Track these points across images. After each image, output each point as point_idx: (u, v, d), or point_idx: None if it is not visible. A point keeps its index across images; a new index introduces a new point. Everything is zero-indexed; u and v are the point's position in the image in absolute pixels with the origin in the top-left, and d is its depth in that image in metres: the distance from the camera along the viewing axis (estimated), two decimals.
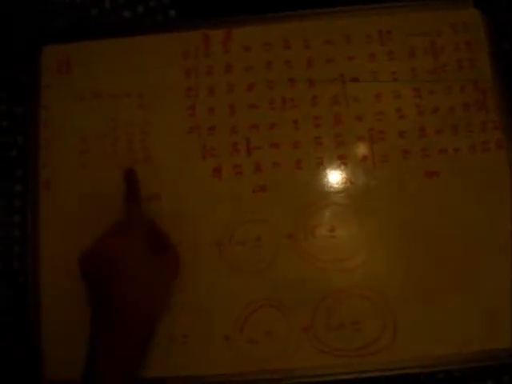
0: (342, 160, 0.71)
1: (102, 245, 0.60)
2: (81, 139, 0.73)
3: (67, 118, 0.74)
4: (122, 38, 0.76)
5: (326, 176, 0.71)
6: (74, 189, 0.72)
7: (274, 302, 0.69)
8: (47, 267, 0.71)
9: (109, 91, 0.74)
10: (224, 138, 0.72)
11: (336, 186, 0.71)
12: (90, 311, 0.59)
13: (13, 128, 0.75)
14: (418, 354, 0.69)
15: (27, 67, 0.76)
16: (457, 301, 0.69)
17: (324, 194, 0.71)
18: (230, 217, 0.71)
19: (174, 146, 0.73)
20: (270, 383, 0.68)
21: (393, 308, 0.69)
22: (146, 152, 0.72)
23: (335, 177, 0.71)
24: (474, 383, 0.71)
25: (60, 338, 0.70)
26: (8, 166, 0.74)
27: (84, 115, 0.74)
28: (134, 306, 0.57)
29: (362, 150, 0.72)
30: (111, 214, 0.69)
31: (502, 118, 0.72)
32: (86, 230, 0.69)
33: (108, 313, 0.57)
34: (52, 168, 0.73)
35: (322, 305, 0.69)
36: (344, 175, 0.71)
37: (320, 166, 0.71)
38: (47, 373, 0.70)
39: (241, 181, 0.71)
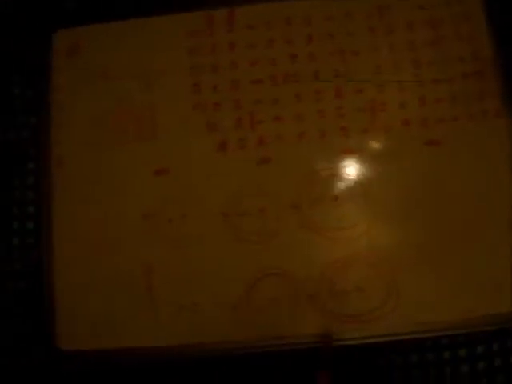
0: (344, 131, 0.73)
1: None
2: (90, 118, 0.76)
3: (77, 98, 0.77)
4: (128, 21, 0.78)
5: (328, 147, 0.73)
6: (85, 165, 0.74)
7: (279, 270, 0.71)
8: (61, 242, 0.73)
9: (116, 72, 0.76)
10: (228, 114, 0.74)
11: (338, 156, 0.72)
12: None
13: (25, 109, 0.78)
14: (421, 319, 0.70)
15: (39, 51, 0.78)
16: (458, 267, 0.70)
17: (326, 165, 0.73)
18: (235, 189, 0.73)
19: (179, 122, 0.75)
20: (276, 349, 0.69)
21: (396, 275, 0.70)
22: (153, 129, 0.75)
23: (337, 148, 0.72)
24: (480, 347, 0.71)
25: (71, 312, 0.73)
26: (21, 146, 0.76)
27: (93, 95, 0.76)
28: None
29: (363, 121, 0.73)
30: (120, 189, 0.71)
31: (500, 88, 0.72)
32: (96, 203, 0.72)
33: None
34: (63, 146, 0.75)
35: (326, 272, 0.70)
36: (346, 146, 0.72)
37: (322, 138, 0.73)
38: (60, 343, 0.72)
39: (245, 154, 0.73)
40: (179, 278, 0.71)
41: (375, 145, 0.73)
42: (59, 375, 0.73)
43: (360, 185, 0.72)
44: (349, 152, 0.73)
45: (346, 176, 0.72)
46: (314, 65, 0.75)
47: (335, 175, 0.72)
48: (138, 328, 0.71)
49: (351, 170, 0.72)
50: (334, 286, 0.70)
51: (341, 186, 0.72)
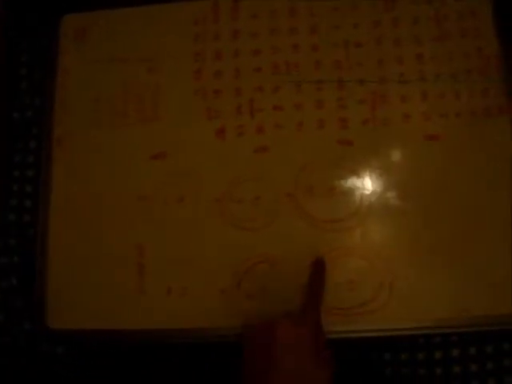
0: (344, 123, 0.72)
1: (279, 330, 0.58)
2: (94, 100, 0.77)
3: (82, 80, 0.78)
4: (135, 8, 0.79)
5: (326, 138, 0.72)
6: (85, 146, 0.75)
7: (271, 258, 0.70)
8: (57, 221, 0.74)
9: (121, 56, 0.78)
10: (228, 100, 0.74)
11: (336, 147, 0.72)
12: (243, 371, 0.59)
13: (31, 90, 0.79)
14: (414, 316, 0.69)
15: (47, 34, 0.79)
16: (456, 265, 0.69)
17: (324, 156, 0.72)
18: (231, 175, 0.73)
19: (180, 107, 0.75)
20: None
21: (390, 269, 0.69)
22: (154, 112, 0.75)
23: (336, 139, 0.72)
24: (473, 348, 0.70)
25: (62, 290, 0.73)
26: (24, 125, 0.77)
27: (98, 78, 0.77)
28: None
29: (363, 113, 0.72)
30: (117, 170, 0.72)
31: (504, 85, 0.72)
32: (94, 183, 0.72)
33: None
34: (65, 126, 0.76)
35: None
36: (344, 138, 0.72)
37: (321, 128, 0.72)
38: (48, 321, 0.72)
39: (243, 141, 0.73)
40: (170, 261, 0.71)
41: (374, 137, 0.72)
42: (46, 354, 0.73)
43: (357, 177, 0.71)
44: (347, 143, 0.72)
45: (343, 167, 0.72)
46: (316, 55, 0.74)
47: (332, 166, 0.72)
48: (127, 310, 0.71)
49: (349, 161, 0.72)
50: (326, 276, 0.69)
51: (338, 177, 0.72)
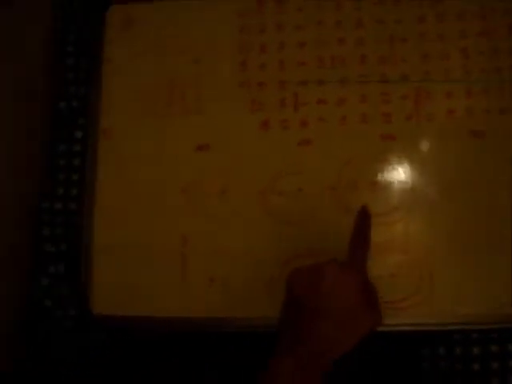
0: (387, 117, 0.73)
1: (327, 270, 0.56)
2: (139, 91, 0.78)
3: (128, 71, 0.79)
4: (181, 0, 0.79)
5: (369, 132, 0.73)
6: (130, 136, 0.76)
7: (313, 251, 0.71)
8: (102, 210, 0.76)
9: (166, 47, 0.78)
10: (273, 93, 0.75)
11: (379, 142, 0.72)
12: (281, 315, 0.59)
13: (77, 80, 0.80)
14: (453, 311, 0.69)
15: (94, 24, 0.80)
16: (497, 261, 0.69)
17: (367, 150, 0.73)
18: (274, 168, 0.73)
19: (224, 99, 0.76)
20: None
21: (431, 264, 0.70)
22: (199, 104, 0.76)
23: (378, 134, 0.72)
24: (510, 345, 0.70)
25: (108, 276, 0.75)
26: (70, 114, 0.79)
27: (143, 69, 0.78)
28: (327, 346, 0.54)
29: (407, 108, 0.73)
30: (162, 162, 0.73)
31: None
32: (138, 174, 0.73)
33: (301, 335, 0.55)
34: (110, 117, 0.77)
35: None
36: (387, 132, 0.72)
37: (364, 123, 0.73)
38: (93, 307, 0.74)
39: (287, 134, 0.74)
40: (213, 251, 0.72)
41: (418, 132, 0.72)
42: (88, 339, 0.74)
43: (399, 172, 0.72)
44: (390, 138, 0.72)
45: (385, 162, 0.72)
46: (362, 49, 0.74)
47: (375, 160, 0.72)
48: (169, 298, 0.73)
49: (391, 156, 0.72)
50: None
51: (380, 171, 0.72)
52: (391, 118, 0.73)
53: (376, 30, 0.75)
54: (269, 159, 0.73)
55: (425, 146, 0.72)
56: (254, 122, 0.74)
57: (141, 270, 0.73)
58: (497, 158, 0.70)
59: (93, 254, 0.75)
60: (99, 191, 0.76)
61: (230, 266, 0.72)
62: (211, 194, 0.73)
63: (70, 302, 0.75)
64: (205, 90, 0.76)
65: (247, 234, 0.72)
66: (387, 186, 0.71)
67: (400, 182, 0.71)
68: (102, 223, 0.75)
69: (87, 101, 0.79)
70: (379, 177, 0.72)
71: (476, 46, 0.74)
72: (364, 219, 0.64)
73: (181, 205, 0.73)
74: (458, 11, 0.75)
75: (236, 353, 0.73)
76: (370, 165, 0.72)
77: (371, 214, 0.64)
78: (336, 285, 0.55)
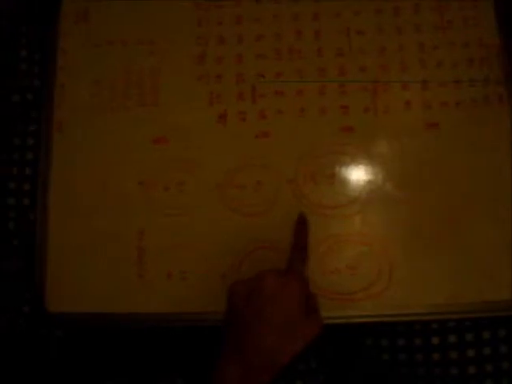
0: (345, 109, 0.73)
1: (265, 281, 0.57)
2: (94, 83, 0.76)
3: (82, 63, 0.77)
4: None
5: (327, 125, 0.73)
6: (85, 129, 0.75)
7: (271, 244, 0.70)
8: (56, 205, 0.74)
9: (122, 39, 0.77)
10: (231, 86, 0.74)
11: (337, 134, 0.72)
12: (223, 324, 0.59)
13: (30, 72, 0.78)
14: (412, 302, 0.69)
15: (47, 16, 0.78)
16: (454, 252, 0.70)
17: (325, 142, 0.73)
18: (233, 161, 0.73)
19: (182, 92, 0.75)
20: None
21: (389, 255, 0.70)
22: (155, 97, 0.75)
23: (337, 126, 0.72)
24: (470, 334, 0.70)
25: (63, 272, 0.73)
26: (24, 107, 0.77)
27: (98, 61, 0.77)
28: (269, 356, 0.55)
29: (364, 100, 0.73)
30: (118, 155, 0.72)
31: (505, 74, 0.72)
32: (94, 168, 0.72)
33: (242, 346, 0.55)
34: (65, 109, 0.76)
35: (318, 249, 0.70)
36: (346, 125, 0.72)
37: (322, 115, 0.73)
38: (47, 304, 0.72)
39: (245, 127, 0.73)
40: (170, 245, 0.71)
41: (375, 125, 0.72)
42: (44, 337, 0.73)
43: (357, 164, 0.72)
44: (348, 130, 0.72)
45: (343, 154, 0.72)
46: (319, 42, 0.74)
47: (333, 153, 0.72)
48: (127, 293, 0.71)
49: (350, 148, 0.72)
50: (325, 262, 0.70)
51: (338, 163, 0.72)
52: (349, 109, 0.72)
53: (333, 23, 0.74)
54: (227, 152, 0.73)
55: (382, 137, 0.72)
56: (211, 114, 0.74)
57: (97, 265, 0.72)
58: (452, 150, 0.71)
59: (47, 249, 0.72)
60: (53, 186, 0.73)
61: (188, 259, 0.71)
62: (169, 187, 0.72)
63: (23, 299, 0.73)
64: (162, 83, 0.75)
65: (205, 228, 0.71)
66: (345, 178, 0.71)
67: (358, 174, 0.71)
68: (57, 218, 0.73)
69: (41, 93, 0.77)
70: (337, 169, 0.72)
71: (432, 39, 0.74)
72: (302, 226, 0.66)
73: (137, 198, 0.72)
74: (413, 5, 0.75)
75: (194, 347, 0.72)
76: (328, 157, 0.72)
77: (308, 221, 0.67)
78: (275, 295, 0.56)
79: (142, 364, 0.72)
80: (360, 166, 0.72)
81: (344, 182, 0.72)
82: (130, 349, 0.72)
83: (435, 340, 0.71)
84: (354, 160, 0.72)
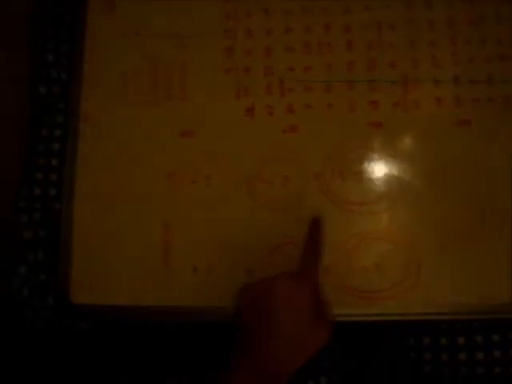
0: (374, 105, 0.72)
1: (273, 285, 0.55)
2: (121, 75, 0.76)
3: (110, 55, 0.77)
4: None
5: (356, 120, 0.72)
6: (112, 121, 0.74)
7: (297, 240, 0.70)
8: (82, 196, 0.74)
9: (150, 31, 0.77)
10: (259, 79, 0.74)
11: (366, 130, 0.71)
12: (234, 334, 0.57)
13: (58, 64, 0.78)
14: (439, 301, 0.68)
15: (75, 7, 0.78)
16: (483, 251, 0.69)
17: (353, 138, 0.72)
18: (260, 155, 0.72)
19: (210, 85, 0.75)
20: None
21: (416, 254, 0.69)
22: (183, 90, 0.74)
23: (365, 121, 0.71)
24: (497, 335, 0.70)
25: (88, 264, 0.73)
26: (51, 99, 0.77)
27: (126, 53, 0.77)
28: (279, 362, 0.53)
29: (394, 95, 0.72)
30: (146, 147, 0.71)
31: None
32: (121, 159, 0.72)
33: (252, 352, 0.54)
34: (92, 102, 0.75)
35: (345, 246, 0.69)
36: (374, 120, 0.72)
37: (351, 110, 0.72)
38: (72, 296, 0.72)
39: (272, 121, 0.73)
40: (196, 239, 0.71)
41: (405, 121, 0.71)
42: (68, 329, 0.73)
43: (386, 160, 0.71)
44: (377, 126, 0.71)
45: (372, 150, 0.71)
46: (348, 36, 0.73)
47: (362, 148, 0.71)
48: (152, 286, 0.71)
49: (378, 144, 0.71)
50: (351, 259, 0.69)
51: (366, 159, 0.71)
52: (378, 105, 0.71)
53: (363, 16, 0.74)
54: (254, 146, 0.72)
55: (412, 133, 0.71)
56: (239, 107, 0.73)
57: (122, 257, 0.72)
58: (484, 147, 0.70)
59: (72, 241, 0.72)
60: (80, 177, 0.73)
61: (214, 254, 0.71)
62: (195, 181, 0.72)
63: (48, 290, 0.73)
64: (190, 76, 0.75)
65: (232, 222, 0.71)
66: (373, 174, 0.71)
67: (386, 170, 0.70)
68: (83, 210, 0.73)
69: (68, 85, 0.76)
70: (365, 165, 0.71)
71: (464, 35, 0.72)
72: (316, 227, 0.63)
73: (164, 191, 0.72)
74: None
75: (219, 342, 0.71)
76: (356, 153, 0.71)
77: (323, 222, 0.62)
78: (285, 299, 0.54)
79: (163, 357, 0.72)
80: (388, 163, 0.71)
81: (372, 179, 0.71)
82: (154, 341, 0.72)
83: (461, 340, 0.70)
84: (382, 156, 0.71)
